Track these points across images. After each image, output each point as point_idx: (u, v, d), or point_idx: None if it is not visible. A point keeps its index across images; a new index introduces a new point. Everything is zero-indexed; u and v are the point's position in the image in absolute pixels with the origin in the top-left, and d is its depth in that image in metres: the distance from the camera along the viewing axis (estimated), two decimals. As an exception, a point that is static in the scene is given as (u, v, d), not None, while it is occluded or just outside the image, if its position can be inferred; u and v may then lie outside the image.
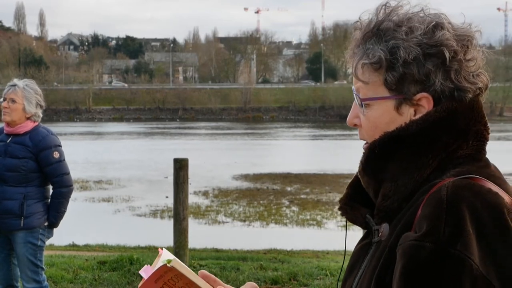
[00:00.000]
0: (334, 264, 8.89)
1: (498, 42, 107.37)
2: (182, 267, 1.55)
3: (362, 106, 1.57)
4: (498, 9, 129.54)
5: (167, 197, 21.82)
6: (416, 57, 1.48)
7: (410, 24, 1.51)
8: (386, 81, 1.52)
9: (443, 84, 1.50)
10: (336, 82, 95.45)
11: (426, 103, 1.51)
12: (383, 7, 1.55)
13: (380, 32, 1.52)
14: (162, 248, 1.64)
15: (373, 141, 1.55)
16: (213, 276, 1.64)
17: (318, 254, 10.85)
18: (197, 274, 1.61)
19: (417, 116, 1.52)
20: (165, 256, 1.58)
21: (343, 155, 36.13)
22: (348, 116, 1.62)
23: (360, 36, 1.57)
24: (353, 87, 1.60)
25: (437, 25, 1.50)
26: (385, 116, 1.54)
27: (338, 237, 15.49)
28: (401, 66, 1.49)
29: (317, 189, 23.70)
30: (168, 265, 1.53)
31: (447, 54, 1.48)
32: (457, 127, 1.50)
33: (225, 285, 1.64)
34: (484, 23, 1.59)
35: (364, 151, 1.57)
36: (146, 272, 1.58)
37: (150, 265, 1.60)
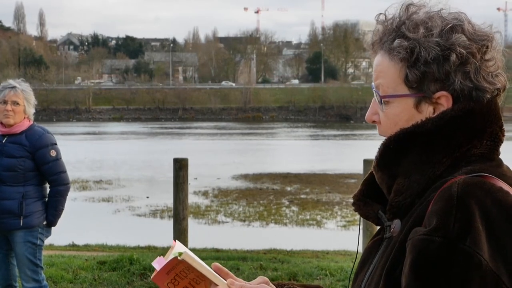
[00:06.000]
0: (334, 264, 8.88)
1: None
2: (192, 260, 1.57)
3: (381, 103, 1.58)
4: (498, 9, 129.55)
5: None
6: (436, 57, 1.50)
7: (430, 24, 1.52)
8: (407, 79, 1.53)
9: (463, 83, 1.51)
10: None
11: (445, 101, 1.52)
12: (406, 6, 1.56)
13: (402, 31, 1.53)
14: (175, 240, 1.67)
15: (388, 137, 1.56)
16: (225, 269, 1.66)
17: (318, 254, 10.84)
18: (211, 267, 1.63)
19: (435, 114, 1.53)
20: (178, 248, 1.60)
21: (343, 155, 36.14)
22: (367, 113, 1.63)
23: (382, 33, 1.58)
24: (372, 84, 1.60)
25: (454, 27, 1.51)
26: (405, 113, 1.55)
27: (338, 237, 15.50)
28: (422, 64, 1.50)
29: (317, 189, 23.70)
30: (179, 257, 1.56)
31: (458, 59, 1.49)
32: (472, 127, 1.51)
33: (237, 278, 1.65)
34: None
35: (379, 146, 1.58)
36: (159, 263, 1.61)
37: (163, 256, 1.63)
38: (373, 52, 1.61)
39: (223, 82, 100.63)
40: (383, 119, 1.59)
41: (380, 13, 1.59)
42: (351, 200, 1.68)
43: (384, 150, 1.56)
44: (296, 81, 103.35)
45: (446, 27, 1.51)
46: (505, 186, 1.46)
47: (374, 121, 1.61)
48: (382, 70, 1.57)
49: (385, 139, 1.57)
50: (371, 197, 1.64)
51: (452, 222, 1.38)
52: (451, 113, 1.51)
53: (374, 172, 1.60)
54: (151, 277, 1.62)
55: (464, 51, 1.49)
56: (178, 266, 1.58)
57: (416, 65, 1.51)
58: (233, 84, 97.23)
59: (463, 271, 1.35)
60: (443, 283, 1.36)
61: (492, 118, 1.54)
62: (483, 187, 1.42)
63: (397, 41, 1.53)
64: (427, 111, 1.54)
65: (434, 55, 1.50)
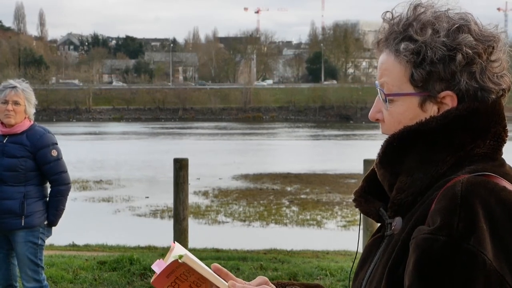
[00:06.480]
0: (334, 264, 8.88)
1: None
2: (193, 262, 1.56)
3: (386, 102, 1.58)
4: (498, 9, 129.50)
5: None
6: (442, 57, 1.50)
7: (436, 25, 1.52)
8: (413, 78, 1.53)
9: (468, 83, 1.51)
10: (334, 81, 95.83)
11: (450, 101, 1.52)
12: (414, 6, 1.56)
13: (409, 33, 1.53)
14: (174, 242, 1.65)
15: (392, 134, 1.56)
16: (225, 269, 1.66)
17: (318, 254, 10.84)
18: (210, 267, 1.62)
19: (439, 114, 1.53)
20: (177, 250, 1.59)
21: (343, 155, 36.14)
22: (371, 111, 1.62)
23: (388, 32, 1.58)
24: (376, 82, 1.60)
25: (460, 27, 1.52)
26: (409, 112, 1.55)
27: (338, 237, 15.50)
28: (428, 64, 1.51)
29: (317, 189, 23.70)
30: (179, 260, 1.55)
31: (464, 59, 1.49)
32: (476, 126, 1.51)
33: (237, 278, 1.65)
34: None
35: (382, 143, 1.58)
36: (158, 266, 1.59)
37: (163, 259, 1.61)
38: (378, 51, 1.61)
39: (261, 81, 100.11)
40: (386, 117, 1.59)
41: (387, 11, 1.59)
42: (351, 200, 1.68)
43: (387, 148, 1.56)
44: (270, 81, 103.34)
45: (453, 27, 1.51)
46: (509, 186, 1.46)
47: (377, 119, 1.61)
48: (387, 69, 1.57)
49: (389, 137, 1.56)
50: (372, 194, 1.63)
51: (456, 221, 1.37)
52: (455, 112, 1.51)
53: (376, 169, 1.60)
54: (151, 281, 1.61)
55: (470, 51, 1.50)
56: (178, 269, 1.56)
57: (422, 65, 1.51)
58: (271, 82, 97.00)
59: (467, 270, 1.35)
60: (447, 282, 1.36)
61: (496, 118, 1.54)
62: (486, 186, 1.42)
63: (403, 44, 1.53)
64: (432, 110, 1.54)
65: (440, 55, 1.50)
